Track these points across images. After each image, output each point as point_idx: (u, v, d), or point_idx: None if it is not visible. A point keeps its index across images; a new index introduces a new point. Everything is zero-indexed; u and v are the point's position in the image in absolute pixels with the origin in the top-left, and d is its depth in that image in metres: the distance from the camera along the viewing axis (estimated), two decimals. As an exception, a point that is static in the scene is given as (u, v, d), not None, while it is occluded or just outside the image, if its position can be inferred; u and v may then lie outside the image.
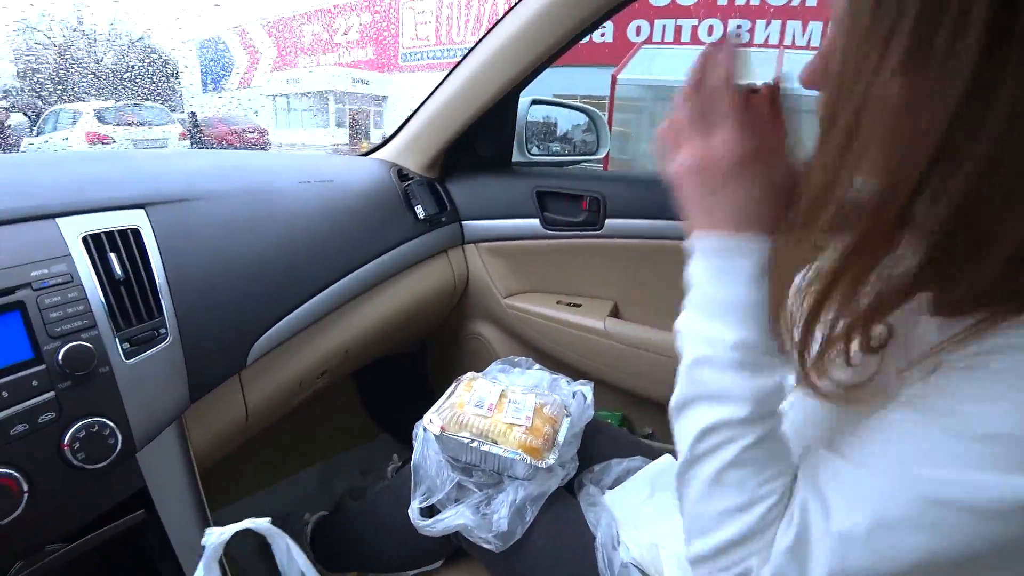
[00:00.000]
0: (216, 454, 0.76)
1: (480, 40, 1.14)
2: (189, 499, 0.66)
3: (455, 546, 0.69)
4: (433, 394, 1.46)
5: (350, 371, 1.21)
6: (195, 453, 0.68)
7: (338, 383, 1.51)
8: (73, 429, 0.53)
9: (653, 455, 0.69)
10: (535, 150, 1.50)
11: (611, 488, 0.65)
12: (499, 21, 1.10)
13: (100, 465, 0.55)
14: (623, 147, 8.42)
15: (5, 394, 0.51)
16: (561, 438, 0.59)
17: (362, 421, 1.52)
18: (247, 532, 0.57)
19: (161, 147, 5.56)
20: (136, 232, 0.67)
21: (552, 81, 1.18)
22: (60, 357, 0.53)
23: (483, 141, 1.30)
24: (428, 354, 1.49)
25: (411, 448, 0.68)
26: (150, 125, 5.68)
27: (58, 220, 0.62)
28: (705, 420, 0.39)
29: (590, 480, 0.67)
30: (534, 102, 1.42)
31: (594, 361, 1.14)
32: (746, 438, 0.37)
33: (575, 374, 1.20)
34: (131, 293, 0.62)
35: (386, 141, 1.32)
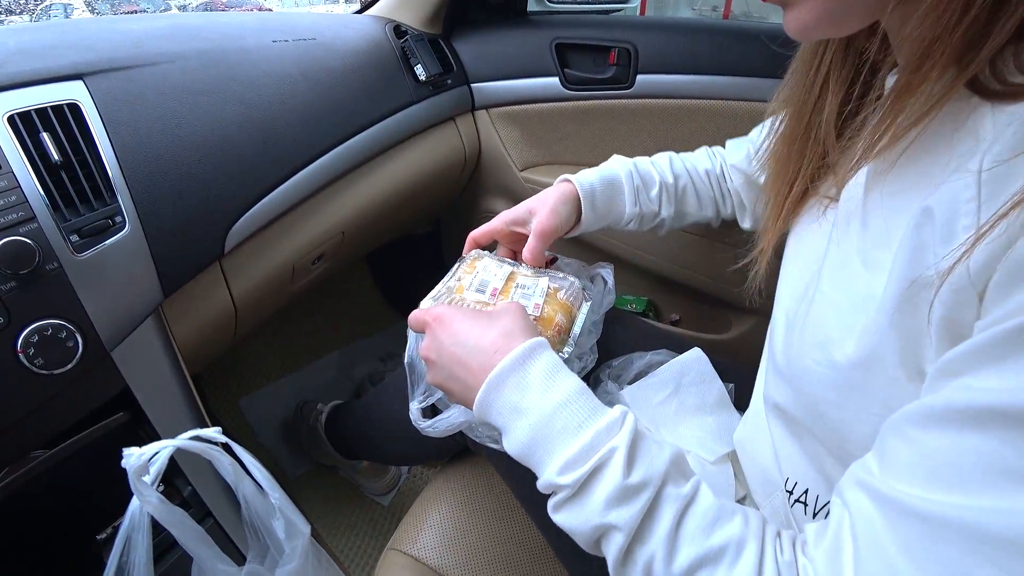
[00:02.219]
0: (208, 351, 0.72)
1: None
2: (179, 396, 0.63)
3: (461, 444, 0.65)
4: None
5: (354, 256, 1.15)
6: (182, 349, 0.63)
7: (353, 268, 1.46)
8: (25, 333, 0.48)
9: (680, 348, 0.61)
10: (554, -2, 1.29)
11: (631, 384, 0.58)
12: None
13: (64, 369, 0.50)
14: (661, 12, 7.53)
15: (-60, 300, 0.45)
16: (578, 328, 0.51)
17: (379, 307, 1.49)
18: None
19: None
20: (75, 107, 0.57)
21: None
22: (-3, 255, 0.46)
23: (495, -14, 1.11)
24: (442, 234, 1.40)
25: None
26: (147, 12, 5.34)
27: None
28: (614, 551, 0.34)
29: (608, 375, 0.60)
30: (551, -66, 1.19)
31: (619, 239, 1.04)
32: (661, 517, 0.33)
33: (598, 254, 1.11)
34: (74, 178, 0.54)
35: (381, -8, 1.13)
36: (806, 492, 0.40)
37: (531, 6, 1.20)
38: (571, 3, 1.37)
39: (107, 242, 0.54)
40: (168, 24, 0.78)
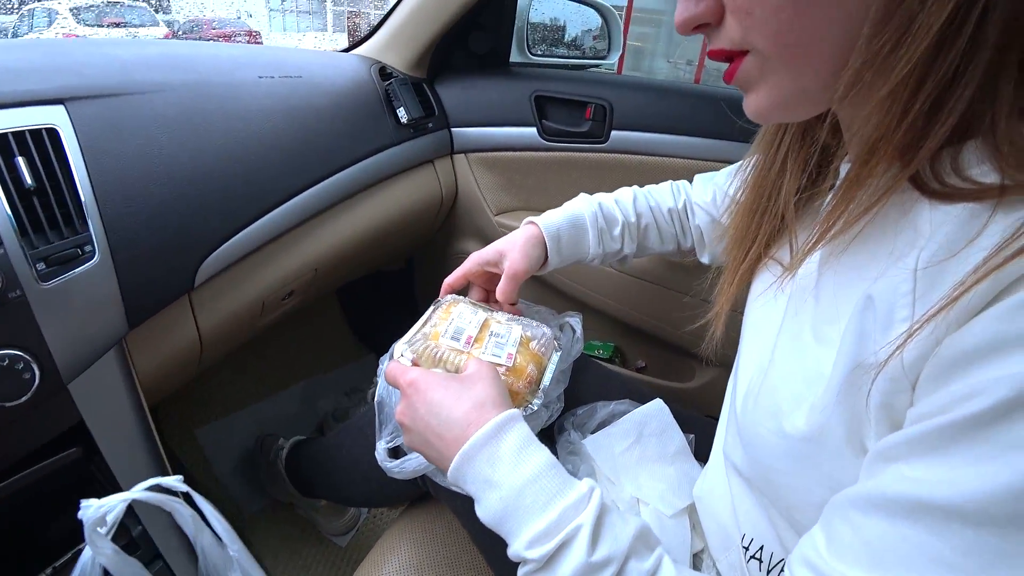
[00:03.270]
0: (170, 383, 0.70)
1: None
2: (136, 431, 0.61)
3: (422, 490, 0.65)
4: (421, 313, 1.42)
5: (324, 291, 1.14)
6: (142, 383, 0.62)
7: (323, 301, 1.45)
8: (-21, 362, 0.46)
9: (643, 398, 0.63)
10: (537, 50, 1.34)
11: (594, 432, 0.59)
12: None
13: (18, 402, 0.48)
14: (638, 63, 7.89)
15: None
16: (548, 379, 0.52)
17: (346, 340, 1.47)
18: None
19: (145, 47, 5.26)
20: (53, 132, 0.57)
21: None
22: (-44, 281, 0.45)
23: (478, 36, 1.16)
24: (415, 273, 1.41)
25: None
26: (132, 26, 5.33)
27: None
28: None
29: (572, 424, 0.61)
30: (536, -10, 1.26)
31: (587, 287, 1.07)
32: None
33: (567, 300, 1.13)
34: (46, 204, 0.54)
35: (369, 35, 1.17)
36: (761, 549, 0.41)
37: (513, 57, 1.25)
38: (552, 57, 1.44)
39: (75, 271, 0.53)
40: (158, 52, 0.79)
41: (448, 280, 0.63)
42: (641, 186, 0.74)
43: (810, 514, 0.33)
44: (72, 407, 0.55)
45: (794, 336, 0.37)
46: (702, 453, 0.55)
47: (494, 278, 0.63)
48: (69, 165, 0.56)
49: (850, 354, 0.30)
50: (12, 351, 0.48)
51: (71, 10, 4.89)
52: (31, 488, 0.53)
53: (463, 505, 0.56)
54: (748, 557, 0.42)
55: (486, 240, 1.19)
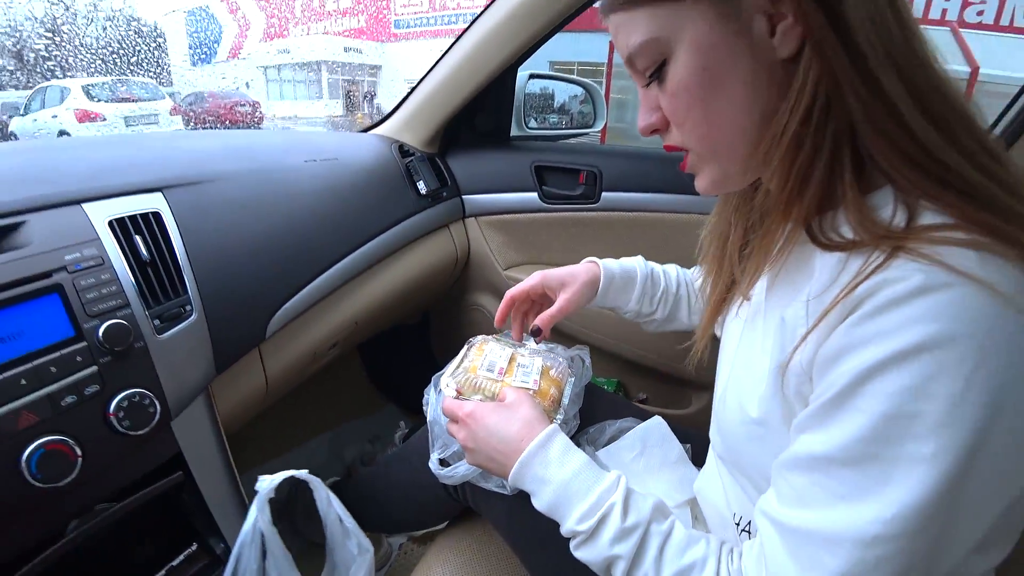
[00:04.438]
0: (240, 421, 0.81)
1: (479, 15, 1.16)
2: (219, 461, 0.72)
3: (462, 506, 0.75)
4: (437, 364, 1.53)
5: (358, 342, 1.26)
6: (221, 420, 0.73)
7: (344, 356, 1.57)
8: (117, 399, 0.58)
9: (644, 416, 0.75)
10: (532, 123, 1.52)
11: (605, 447, 0.71)
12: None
13: (142, 432, 0.60)
14: (621, 115, 8.38)
15: (53, 369, 0.55)
16: (566, 399, 0.64)
17: (368, 393, 1.58)
18: (291, 480, 0.67)
19: (152, 123, 5.54)
20: (157, 215, 0.71)
21: (549, 47, 1.19)
22: (100, 334, 0.58)
23: (482, 116, 1.33)
24: (431, 325, 1.53)
25: (417, 415, 0.75)
26: (140, 100, 5.64)
27: (84, 205, 0.66)
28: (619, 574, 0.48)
29: (586, 440, 0.73)
30: (531, 76, 1.44)
31: (591, 329, 1.19)
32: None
33: (572, 342, 1.26)
34: (157, 273, 0.67)
35: (386, 117, 1.34)
36: (749, 523, 0.52)
37: (513, 132, 1.42)
38: (546, 129, 1.62)
39: (179, 326, 0.66)
40: (222, 144, 0.94)
41: (512, 292, 0.74)
42: (629, 238, 0.87)
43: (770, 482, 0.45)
44: (173, 440, 0.66)
45: (748, 347, 0.50)
46: (699, 460, 0.67)
47: (540, 302, 0.75)
48: (171, 241, 0.70)
49: (774, 359, 0.43)
50: (140, 389, 0.60)
51: (83, 88, 5.19)
52: (143, 507, 0.63)
53: (501, 512, 0.67)
54: (740, 531, 0.53)
55: (497, 292, 1.34)
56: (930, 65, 0.39)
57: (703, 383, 1.04)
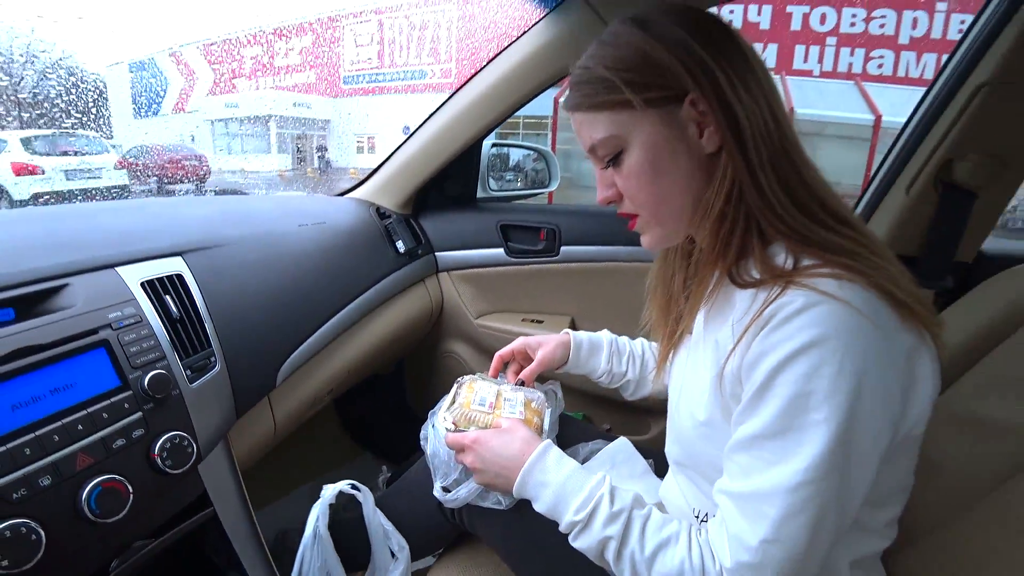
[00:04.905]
0: (251, 462, 0.88)
1: (451, 96, 1.32)
2: (238, 500, 0.79)
3: (458, 531, 0.84)
4: (412, 411, 1.61)
5: (345, 390, 1.34)
6: (237, 461, 0.80)
7: (319, 409, 1.62)
8: (160, 441, 0.66)
9: (611, 440, 0.87)
10: (494, 185, 1.68)
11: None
12: (471, 79, 1.29)
13: (182, 470, 0.67)
14: (567, 165, 8.83)
15: (105, 415, 0.63)
16: (547, 426, 0.76)
17: (343, 443, 1.63)
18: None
19: (95, 177, 5.40)
20: (180, 277, 0.80)
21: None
22: (146, 383, 0.66)
23: (452, 181, 1.48)
24: (405, 374, 1.62)
25: (396, 461, 0.85)
26: (83, 154, 5.50)
27: (117, 269, 0.75)
28: (611, 553, 0.58)
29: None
30: (494, 145, 1.61)
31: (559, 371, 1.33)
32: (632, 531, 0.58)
33: (541, 380, 1.38)
34: (185, 329, 0.75)
35: (361, 182, 1.47)
36: (706, 515, 0.65)
37: (479, 194, 1.58)
38: (507, 191, 1.78)
39: (207, 376, 0.75)
40: (220, 211, 1.04)
41: (501, 353, 0.88)
42: (587, 286, 1.01)
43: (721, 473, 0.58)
44: (199, 481, 0.73)
45: (693, 367, 0.64)
46: (660, 473, 0.80)
47: (522, 360, 0.89)
48: (195, 300, 0.79)
49: (712, 371, 0.57)
50: (179, 432, 0.68)
51: (22, 140, 5.01)
52: (173, 544, 0.70)
53: (496, 528, 0.77)
54: (700, 522, 0.65)
55: (470, 340, 1.46)
56: (799, 164, 0.56)
57: (659, 411, 1.18)
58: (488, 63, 1.27)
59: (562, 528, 0.62)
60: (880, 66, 10.73)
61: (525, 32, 1.22)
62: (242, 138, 9.19)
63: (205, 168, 6.77)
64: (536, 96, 1.27)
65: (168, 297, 0.76)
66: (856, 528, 0.55)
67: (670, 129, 0.57)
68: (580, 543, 0.60)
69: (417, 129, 1.38)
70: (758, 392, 0.50)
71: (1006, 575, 0.58)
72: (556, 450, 0.67)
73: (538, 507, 0.64)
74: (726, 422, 0.57)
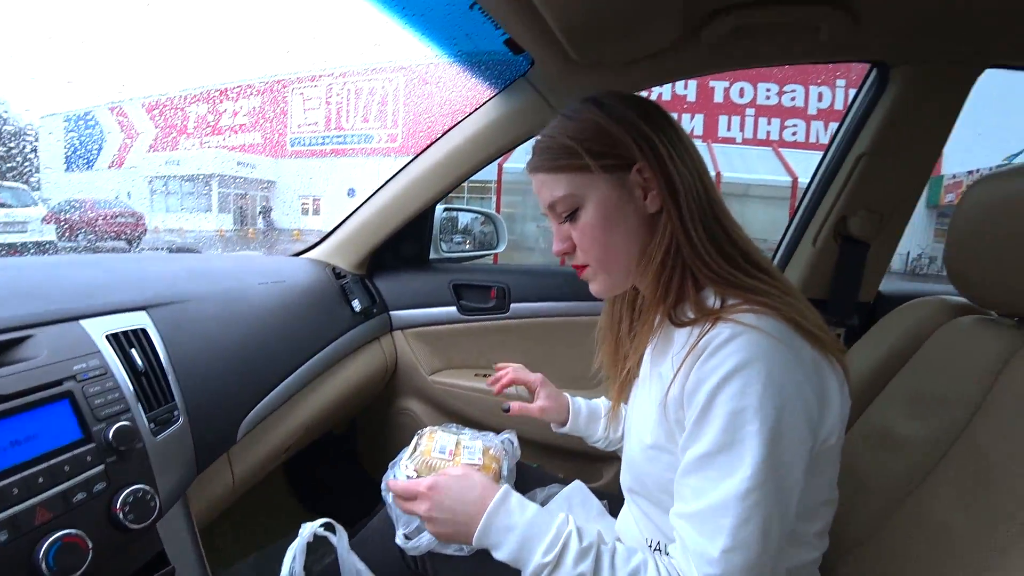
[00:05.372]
0: (208, 520, 0.87)
1: (407, 164, 1.41)
2: (195, 558, 0.77)
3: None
4: (365, 472, 1.59)
5: (301, 448, 1.33)
6: (196, 518, 0.80)
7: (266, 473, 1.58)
8: (123, 495, 0.66)
9: (567, 483, 0.92)
10: (444, 247, 1.76)
11: (539, 511, 0.86)
12: (426, 149, 1.39)
13: (143, 525, 0.66)
14: (511, 227, 9.12)
15: (67, 468, 0.63)
16: (505, 472, 0.81)
17: (292, 507, 1.58)
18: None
19: (20, 231, 5.12)
20: (144, 331, 0.81)
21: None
22: (110, 435, 0.66)
23: (406, 243, 1.55)
24: (358, 433, 1.62)
25: (349, 524, 0.86)
26: (8, 207, 5.21)
27: (82, 321, 0.76)
28: None
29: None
30: (446, 209, 1.70)
31: (510, 422, 1.37)
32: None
33: (497, 430, 1.42)
34: (149, 382, 0.76)
35: (317, 243, 1.51)
36: (659, 543, 0.70)
37: (431, 255, 1.65)
38: (458, 252, 1.86)
39: (170, 429, 0.75)
40: (182, 267, 1.06)
41: (514, 375, 1.01)
42: (536, 340, 1.09)
43: (670, 495, 0.63)
44: (158, 538, 0.72)
45: (641, 400, 0.72)
46: (614, 513, 0.85)
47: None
48: (158, 353, 0.80)
49: (657, 399, 0.64)
50: (143, 485, 0.68)
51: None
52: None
53: (461, 573, 0.79)
54: (653, 550, 0.70)
55: (424, 397, 1.49)
56: (724, 222, 0.66)
57: (612, 457, 1.24)
58: (442, 136, 1.38)
59: (529, 572, 0.62)
60: (794, 134, 11.93)
61: (476, 109, 1.35)
62: (182, 196, 8.98)
63: (141, 226, 6.53)
64: (486, 166, 1.38)
65: (133, 350, 0.77)
66: (790, 540, 0.63)
67: (620, 191, 0.67)
68: None
69: (373, 194, 1.46)
70: (700, 415, 0.58)
71: None
72: (516, 494, 0.69)
73: (500, 554, 0.63)
74: (671, 444, 0.64)
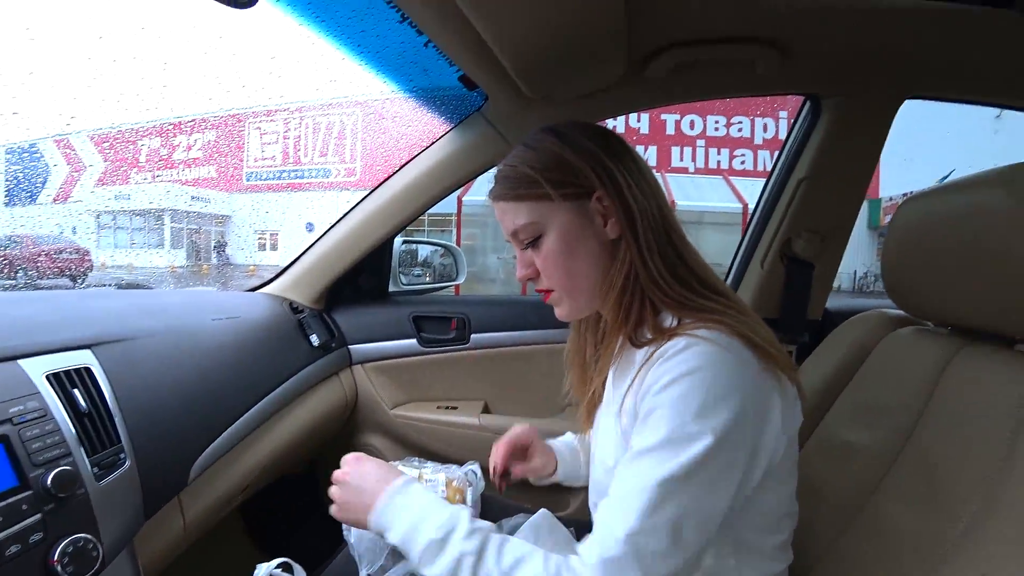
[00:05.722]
0: (157, 569, 0.83)
1: (364, 197, 1.42)
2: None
3: None
4: (327, 512, 1.53)
5: (258, 489, 1.28)
6: (143, 570, 0.76)
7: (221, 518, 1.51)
8: (62, 546, 0.62)
9: (532, 513, 0.92)
10: (404, 279, 1.75)
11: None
12: (383, 182, 1.39)
13: (87, 576, 0.63)
14: (472, 259, 9.13)
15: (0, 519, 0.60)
16: (469, 503, 0.80)
17: (249, 553, 1.52)
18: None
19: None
20: (88, 370, 0.78)
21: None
22: (49, 482, 0.63)
23: (365, 276, 1.54)
24: (319, 473, 1.57)
25: (310, 568, 0.84)
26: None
27: (20, 361, 0.72)
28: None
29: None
30: (405, 241, 1.70)
31: (473, 453, 1.35)
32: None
33: (460, 462, 1.40)
34: (94, 423, 0.73)
35: (274, 278, 1.49)
36: None
37: (391, 288, 1.64)
38: (418, 284, 1.86)
39: (115, 474, 0.72)
40: (130, 304, 1.03)
41: (509, 440, 0.96)
42: (498, 369, 1.09)
43: None
44: (100, 589, 0.68)
45: (605, 422, 0.73)
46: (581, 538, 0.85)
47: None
48: (103, 393, 0.77)
49: (616, 418, 0.66)
50: (85, 535, 0.64)
51: None
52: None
53: None
54: None
55: (386, 432, 1.46)
56: (680, 248, 0.69)
57: (577, 485, 1.24)
58: (399, 169, 1.39)
59: (418, 551, 0.62)
60: (743, 162, 12.50)
61: (433, 143, 1.37)
62: (131, 232, 8.67)
63: (87, 262, 6.26)
64: (443, 199, 1.40)
65: (76, 390, 0.74)
66: (753, 552, 0.65)
67: (581, 218, 0.69)
68: (435, 566, 0.61)
69: (330, 228, 1.45)
70: (646, 415, 0.60)
71: None
72: (418, 484, 0.70)
73: (393, 535, 0.65)
74: None
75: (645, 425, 0.60)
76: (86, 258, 6.58)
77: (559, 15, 0.83)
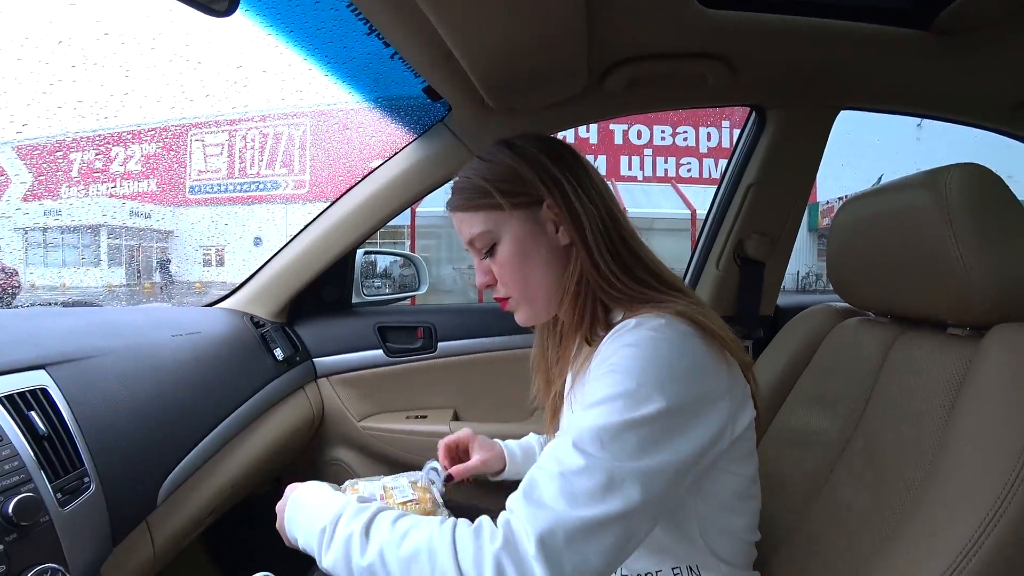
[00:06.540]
0: None
1: (325, 209, 1.40)
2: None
3: None
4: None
5: (226, 509, 1.25)
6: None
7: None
8: (25, 579, 0.59)
9: (495, 514, 0.93)
10: (367, 291, 1.74)
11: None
12: (344, 194, 1.39)
13: (53, 608, 0.61)
14: (428, 270, 9.06)
15: (-42, 553, 0.57)
16: (439, 498, 0.82)
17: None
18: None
19: None
20: (44, 391, 0.74)
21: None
22: (10, 510, 0.60)
23: (327, 288, 1.52)
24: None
25: None
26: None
27: None
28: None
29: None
30: (367, 252, 1.69)
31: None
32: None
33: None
34: (54, 447, 0.70)
35: (231, 292, 1.45)
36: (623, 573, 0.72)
37: (354, 299, 1.62)
38: (381, 295, 1.85)
39: (80, 499, 0.69)
40: (84, 322, 0.99)
41: (447, 441, 0.99)
42: (466, 376, 1.10)
43: None
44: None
45: (567, 417, 0.76)
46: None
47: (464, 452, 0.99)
48: (63, 416, 0.74)
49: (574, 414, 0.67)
50: (51, 565, 0.61)
51: None
52: None
53: None
54: None
55: (355, 445, 1.44)
56: (635, 248, 0.72)
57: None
58: (361, 179, 1.39)
59: (316, 546, 0.62)
60: (689, 170, 12.96)
61: (395, 153, 1.37)
62: (62, 249, 8.16)
63: (15, 282, 5.88)
64: (406, 209, 1.40)
65: (32, 413, 0.71)
66: (722, 532, 0.69)
67: (533, 226, 0.72)
68: (329, 554, 0.60)
69: (290, 241, 1.43)
70: (596, 378, 0.61)
71: (840, 565, 0.71)
72: (317, 485, 0.73)
73: (302, 543, 0.66)
74: None
75: (596, 384, 0.60)
76: (13, 277, 6.16)
77: (524, 31, 0.86)
